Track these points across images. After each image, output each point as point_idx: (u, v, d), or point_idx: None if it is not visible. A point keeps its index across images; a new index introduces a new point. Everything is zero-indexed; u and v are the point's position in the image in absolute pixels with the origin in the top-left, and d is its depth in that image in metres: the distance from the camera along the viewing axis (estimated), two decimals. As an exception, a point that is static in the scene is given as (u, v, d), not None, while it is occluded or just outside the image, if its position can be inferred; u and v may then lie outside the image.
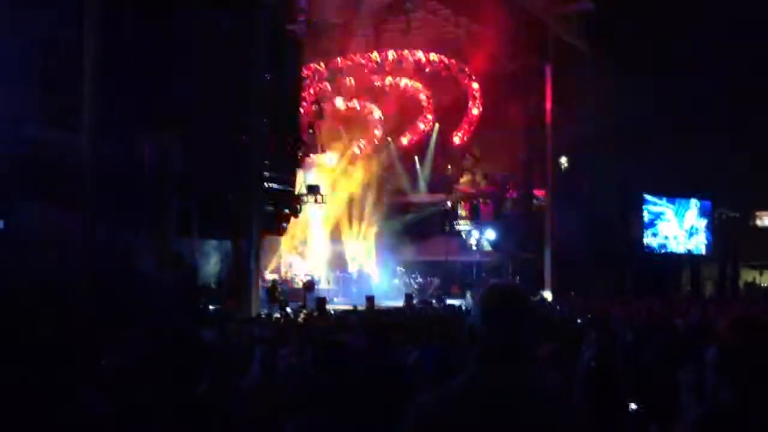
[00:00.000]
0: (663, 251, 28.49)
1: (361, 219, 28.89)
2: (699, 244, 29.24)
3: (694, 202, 28.99)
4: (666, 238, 28.66)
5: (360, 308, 15.53)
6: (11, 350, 2.97)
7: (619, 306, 13.65)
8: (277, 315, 13.35)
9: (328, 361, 2.96)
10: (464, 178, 29.96)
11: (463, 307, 13.70)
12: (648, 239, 28.21)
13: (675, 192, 28.52)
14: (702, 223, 29.21)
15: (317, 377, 3.14)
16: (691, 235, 29.09)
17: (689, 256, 29.19)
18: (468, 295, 24.94)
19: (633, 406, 4.81)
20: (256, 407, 3.90)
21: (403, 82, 28.92)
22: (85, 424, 2.56)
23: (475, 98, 29.14)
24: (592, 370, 4.92)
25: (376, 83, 28.70)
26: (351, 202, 28.81)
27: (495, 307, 1.99)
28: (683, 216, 29.03)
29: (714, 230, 29.27)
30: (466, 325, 2.04)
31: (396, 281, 26.82)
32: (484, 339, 1.98)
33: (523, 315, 2.00)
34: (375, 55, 27.49)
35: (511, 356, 1.96)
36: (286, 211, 19.64)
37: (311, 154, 21.96)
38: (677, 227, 28.84)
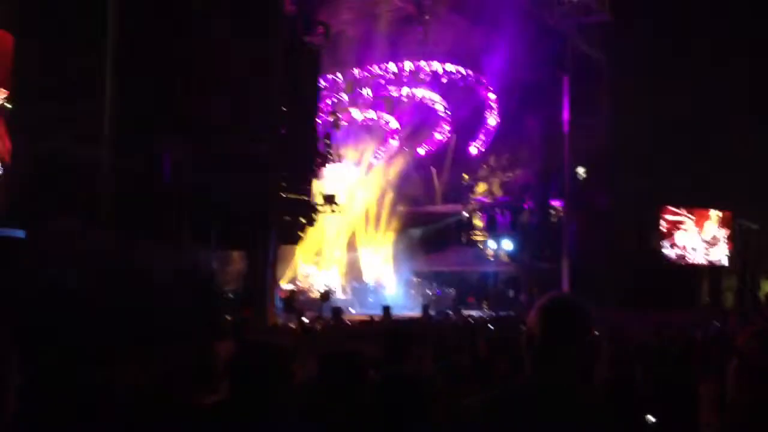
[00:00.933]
0: (681, 262, 28.21)
1: (377, 229, 28.92)
2: (720, 255, 28.94)
3: (714, 213, 28.71)
4: (684, 248, 28.39)
5: (376, 318, 15.53)
6: (34, 356, 3.01)
7: (637, 317, 13.54)
8: (293, 325, 13.37)
9: (342, 372, 2.96)
10: (481, 189, 29.92)
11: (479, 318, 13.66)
12: (666, 250, 27.95)
13: (694, 203, 28.27)
14: (723, 233, 28.91)
15: (330, 387, 3.15)
16: (711, 246, 28.80)
17: (709, 268, 28.89)
18: (484, 305, 24.87)
19: (651, 419, 4.77)
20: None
21: (420, 92, 28.99)
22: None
23: (492, 109, 29.13)
24: (607, 381, 4.88)
25: (393, 94, 28.79)
26: (367, 212, 28.86)
27: (556, 316, 2.05)
28: (703, 226, 28.76)
29: (733, 241, 28.97)
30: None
31: (412, 291, 26.78)
32: (541, 345, 2.04)
33: (583, 325, 2.06)
34: (392, 65, 27.59)
35: (568, 363, 2.01)
36: (303, 220, 19.71)
37: (328, 164, 22.01)
38: (697, 238, 28.56)
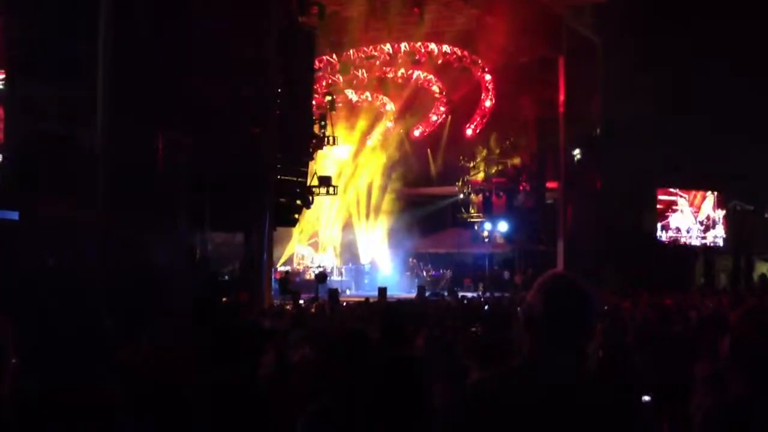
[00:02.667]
0: (676, 243, 28.31)
1: (373, 211, 28.93)
2: (717, 236, 29.04)
3: (709, 194, 28.79)
4: (678, 230, 28.47)
5: (372, 299, 15.57)
6: (29, 342, 3.00)
7: (632, 298, 13.61)
8: (289, 307, 13.40)
9: (347, 352, 2.97)
10: (476, 170, 29.91)
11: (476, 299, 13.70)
12: (661, 231, 28.05)
13: (689, 184, 28.33)
14: (719, 215, 29.00)
15: (329, 368, 3.15)
16: (707, 227, 28.90)
17: (703, 249, 29.01)
18: (480, 287, 24.97)
19: (646, 398, 4.81)
20: (272, 397, 3.93)
21: (416, 74, 28.87)
22: (105, 414, 2.59)
23: (487, 90, 29.05)
24: (601, 361, 4.92)
25: (388, 75, 28.66)
26: (363, 193, 28.86)
27: (558, 295, 2.03)
28: (698, 208, 28.84)
29: (728, 223, 29.07)
30: (520, 312, 2.08)
31: (408, 273, 26.86)
32: (543, 325, 2.01)
33: (585, 305, 2.03)
34: (388, 47, 27.44)
35: (569, 343, 2.00)
36: (298, 202, 19.69)
37: (323, 146, 21.96)
38: (691, 219, 28.65)
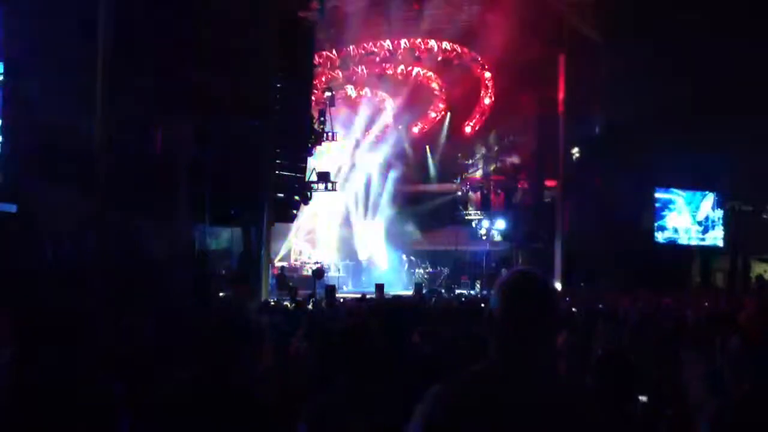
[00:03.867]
0: (675, 241, 28.34)
1: (371, 207, 28.93)
2: (716, 236, 29.07)
3: (708, 194, 28.82)
4: (676, 231, 28.49)
5: (369, 296, 15.57)
6: (27, 333, 3.00)
7: (629, 297, 13.62)
8: (287, 302, 13.40)
9: (351, 345, 2.97)
10: (475, 168, 29.90)
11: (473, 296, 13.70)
12: (659, 231, 28.07)
13: (687, 184, 28.34)
14: (717, 215, 29.03)
15: (328, 363, 3.15)
16: (706, 228, 28.92)
17: (701, 249, 29.04)
18: (477, 285, 24.97)
19: (643, 398, 4.81)
20: (270, 392, 3.93)
21: (415, 70, 28.85)
22: (104, 406, 2.59)
23: (487, 88, 29.03)
24: (601, 361, 4.91)
25: (388, 71, 28.64)
26: (361, 190, 28.84)
27: (518, 293, 1.95)
28: (697, 207, 28.86)
29: (727, 223, 29.09)
30: (485, 312, 2.01)
31: (406, 270, 26.86)
32: (504, 325, 1.94)
33: (545, 302, 1.95)
34: (387, 43, 27.41)
35: (532, 343, 1.92)
36: (297, 198, 19.68)
37: (322, 142, 21.94)
38: (689, 219, 28.67)
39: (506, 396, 1.86)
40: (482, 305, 11.41)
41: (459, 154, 29.67)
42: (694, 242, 28.73)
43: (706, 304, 11.81)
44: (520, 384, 1.88)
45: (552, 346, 1.98)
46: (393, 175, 29.38)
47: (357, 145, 29.04)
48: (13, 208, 12.07)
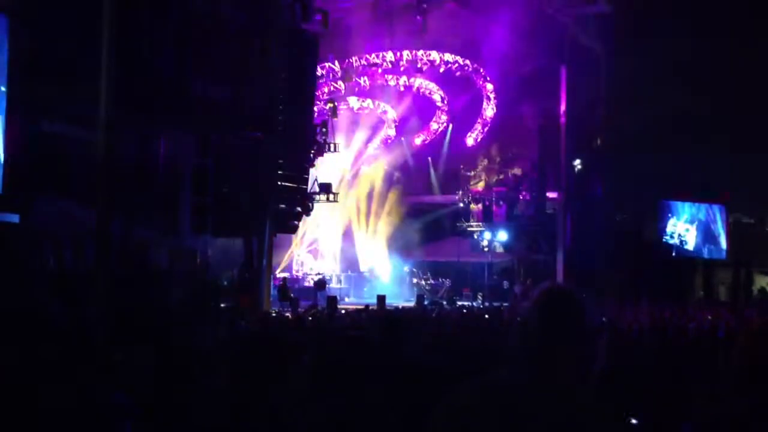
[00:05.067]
0: (678, 254, 28.30)
1: (373, 218, 28.92)
2: (716, 248, 29.05)
3: (711, 206, 28.83)
4: (679, 242, 28.47)
5: (371, 307, 15.54)
6: (27, 342, 3.00)
7: (631, 309, 13.59)
8: (288, 314, 13.38)
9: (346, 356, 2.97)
10: (477, 179, 29.92)
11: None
12: (661, 242, 28.05)
13: (690, 196, 28.34)
14: (721, 227, 29.02)
15: (329, 374, 3.15)
16: (709, 239, 28.91)
17: (703, 261, 28.99)
18: (479, 297, 24.92)
19: (633, 421, 4.75)
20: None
21: (418, 82, 28.93)
22: (105, 416, 2.58)
23: (489, 99, 29.09)
24: (602, 373, 4.89)
25: (390, 83, 28.72)
26: (363, 201, 28.85)
27: (551, 307, 2.01)
28: (699, 219, 28.84)
29: (729, 235, 29.07)
30: (516, 323, 2.05)
31: (407, 281, 26.82)
32: (535, 337, 1.99)
33: (576, 318, 2.01)
34: (390, 55, 27.51)
35: (565, 361, 1.97)
36: (298, 209, 19.69)
37: (324, 153, 21.97)
38: (692, 231, 28.66)
39: (525, 406, 1.90)
40: (486, 316, 11.39)
41: (461, 166, 29.69)
42: (695, 254, 28.70)
43: (709, 317, 11.77)
44: (540, 396, 1.92)
45: (578, 362, 2.02)
46: (395, 186, 29.40)
47: (359, 156, 29.08)
48: (15, 219, 12.08)
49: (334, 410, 2.77)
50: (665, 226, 28.27)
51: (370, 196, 29.02)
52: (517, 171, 28.55)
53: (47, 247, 11.56)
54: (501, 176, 29.10)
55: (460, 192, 28.66)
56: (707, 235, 28.99)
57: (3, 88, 12.86)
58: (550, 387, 1.94)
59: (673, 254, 28.30)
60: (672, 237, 28.34)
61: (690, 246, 28.70)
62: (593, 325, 2.09)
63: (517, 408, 1.90)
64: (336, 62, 26.99)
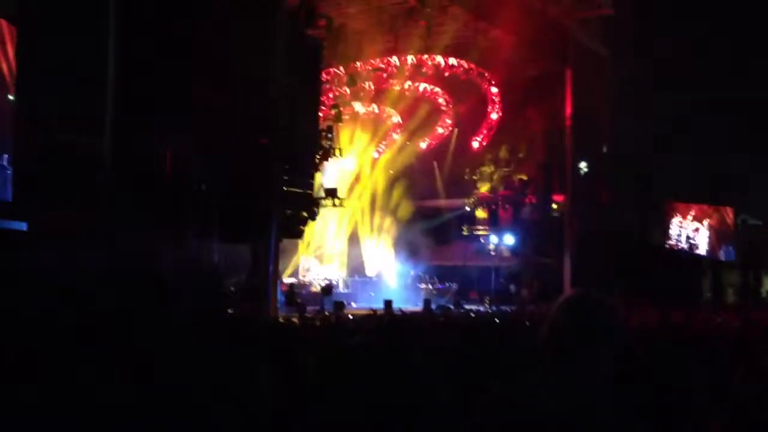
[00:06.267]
0: (686, 256, 28.21)
1: (379, 223, 28.92)
2: (723, 250, 28.96)
3: (717, 209, 28.74)
4: (688, 244, 28.38)
5: (378, 312, 15.51)
6: (35, 349, 3.01)
7: (639, 312, 13.51)
8: (295, 319, 13.37)
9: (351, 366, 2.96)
10: (482, 183, 29.89)
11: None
12: (668, 245, 27.96)
13: (696, 198, 28.26)
14: (726, 229, 28.93)
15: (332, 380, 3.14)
16: (715, 242, 28.81)
17: (711, 263, 28.89)
18: (487, 301, 24.88)
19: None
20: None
21: (422, 86, 28.94)
22: (112, 418, 2.59)
23: (494, 103, 29.08)
24: (617, 379, 4.87)
25: (395, 87, 28.74)
26: (369, 206, 28.87)
27: (582, 312, 2.03)
28: (705, 222, 28.75)
29: (736, 237, 28.97)
30: (544, 326, 2.06)
31: (414, 286, 26.79)
32: (565, 343, 2.01)
33: (610, 325, 2.04)
34: (394, 59, 27.54)
35: (591, 363, 1.99)
36: (304, 214, 19.70)
37: (329, 158, 22.00)
38: (699, 233, 28.56)
39: (547, 407, 1.93)
40: (495, 320, 11.35)
41: (467, 170, 29.68)
42: (702, 256, 28.60)
43: (719, 321, 11.71)
44: (564, 398, 1.94)
45: (604, 366, 2.04)
46: (400, 190, 29.41)
47: (364, 161, 29.10)
48: (23, 226, 12.14)
49: (337, 417, 2.77)
50: (672, 229, 28.18)
51: (375, 201, 29.04)
52: (523, 175, 28.52)
53: (55, 254, 11.60)
54: (507, 180, 29.06)
55: (468, 198, 28.66)
56: (713, 237, 28.88)
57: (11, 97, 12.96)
58: (577, 388, 1.96)
59: (681, 256, 28.20)
60: (679, 239, 28.24)
61: (698, 248, 28.59)
62: (622, 327, 2.11)
63: (545, 410, 1.93)
64: (341, 67, 27.04)
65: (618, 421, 1.95)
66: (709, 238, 28.73)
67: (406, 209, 28.81)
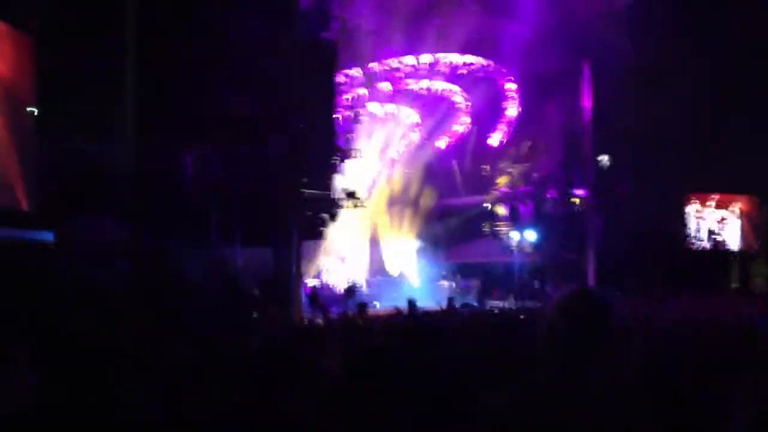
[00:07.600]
0: (709, 249, 27.89)
1: (400, 223, 28.93)
2: (748, 241, 28.61)
3: (743, 199, 28.39)
4: (712, 236, 28.06)
5: (402, 311, 15.49)
6: (64, 358, 3.06)
7: (664, 305, 13.40)
8: (320, 320, 13.41)
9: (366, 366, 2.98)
10: (503, 180, 29.77)
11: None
12: (693, 237, 27.67)
13: (720, 189, 27.93)
14: (752, 219, 28.57)
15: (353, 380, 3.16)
16: (739, 232, 28.46)
17: (738, 254, 28.54)
18: (511, 297, 24.77)
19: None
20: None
21: (439, 85, 28.89)
22: (141, 426, 2.63)
23: (512, 98, 28.96)
24: (637, 371, 4.84)
25: (411, 87, 28.72)
26: (389, 206, 28.88)
27: (580, 310, 2.03)
28: (730, 213, 28.41)
29: (762, 227, 28.59)
30: (544, 325, 2.06)
31: (437, 284, 26.76)
32: (564, 341, 2.01)
33: (606, 320, 2.03)
34: (410, 58, 27.52)
35: (589, 358, 1.99)
36: (325, 216, 19.76)
37: (348, 159, 22.04)
38: (724, 224, 28.23)
39: (551, 407, 1.93)
40: (521, 317, 11.28)
41: (486, 167, 29.58)
42: (728, 247, 28.26)
43: (746, 311, 11.58)
44: (567, 397, 1.94)
45: (607, 364, 2.03)
46: (419, 189, 29.38)
47: (383, 161, 29.12)
48: (50, 237, 12.30)
49: (360, 420, 2.79)
50: (696, 221, 27.87)
51: (395, 201, 29.04)
52: (543, 169, 28.36)
53: (82, 263, 11.75)
54: (526, 175, 28.92)
55: (488, 195, 28.57)
56: (739, 227, 28.53)
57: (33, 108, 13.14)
58: (581, 390, 1.95)
59: (707, 248, 27.88)
60: (699, 235, 27.95)
61: (722, 239, 28.24)
62: (620, 326, 2.10)
63: (552, 412, 1.92)
64: (357, 68, 27.08)
65: (619, 416, 1.93)
66: (742, 228, 28.29)
67: (428, 196, 28.72)
